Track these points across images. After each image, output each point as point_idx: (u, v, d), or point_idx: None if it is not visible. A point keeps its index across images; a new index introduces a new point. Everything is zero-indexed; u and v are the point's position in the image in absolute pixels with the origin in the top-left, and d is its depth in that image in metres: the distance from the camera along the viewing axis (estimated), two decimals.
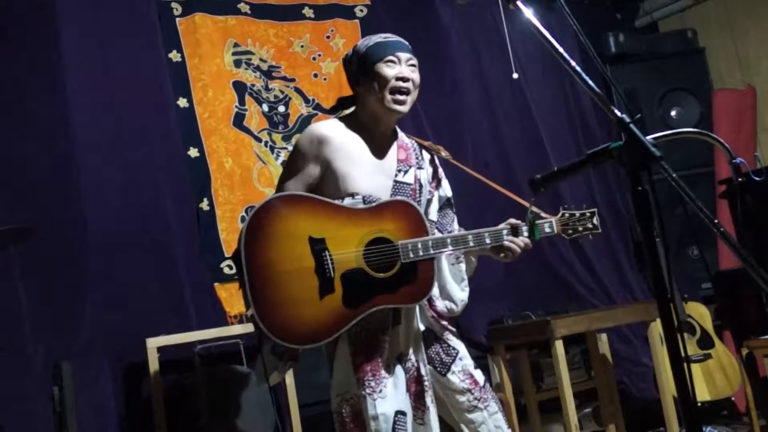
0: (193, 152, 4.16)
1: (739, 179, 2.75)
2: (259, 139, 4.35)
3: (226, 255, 4.09)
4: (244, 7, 4.49)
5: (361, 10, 4.83)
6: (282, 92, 4.50)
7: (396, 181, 2.48)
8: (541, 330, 3.75)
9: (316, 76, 4.61)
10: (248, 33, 4.47)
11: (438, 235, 2.44)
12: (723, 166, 5.21)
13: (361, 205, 2.37)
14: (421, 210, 2.42)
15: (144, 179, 3.96)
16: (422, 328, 2.48)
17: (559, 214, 2.53)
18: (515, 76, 4.47)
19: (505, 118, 5.21)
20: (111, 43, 4.03)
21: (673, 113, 5.57)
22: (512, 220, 2.47)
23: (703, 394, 4.26)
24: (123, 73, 4.03)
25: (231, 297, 4.03)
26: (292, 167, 2.50)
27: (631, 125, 1.50)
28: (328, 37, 4.70)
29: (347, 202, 2.38)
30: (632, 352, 4.93)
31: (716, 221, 1.47)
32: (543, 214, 2.51)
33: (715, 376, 4.34)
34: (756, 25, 5.70)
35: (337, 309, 2.27)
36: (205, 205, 4.12)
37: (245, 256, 2.24)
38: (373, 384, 2.30)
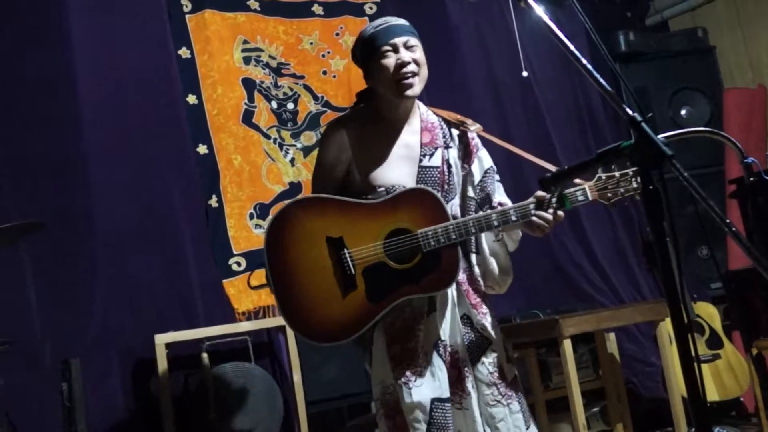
0: (202, 149, 4.17)
1: (751, 179, 2.72)
2: (268, 136, 4.35)
3: (235, 252, 4.10)
4: (253, 4, 4.49)
5: (371, 8, 4.83)
6: (291, 89, 4.50)
7: (421, 167, 2.43)
8: (549, 329, 3.74)
9: (325, 73, 4.61)
10: (258, 30, 4.47)
11: (459, 219, 2.36)
12: (733, 165, 5.18)
13: (382, 198, 2.36)
14: (440, 195, 2.37)
15: (153, 176, 3.97)
16: (459, 315, 2.44)
17: (595, 179, 2.34)
18: (525, 74, 4.46)
19: (514, 116, 5.19)
20: (121, 40, 4.04)
21: (683, 112, 5.55)
22: (539, 193, 2.34)
23: (711, 394, 4.24)
24: (132, 69, 4.04)
25: (239, 294, 4.03)
26: (322, 167, 2.49)
27: (643, 123, 1.48)
28: (337, 34, 4.70)
29: (371, 196, 2.38)
30: (641, 351, 4.91)
31: (727, 220, 1.46)
32: (575, 181, 2.34)
33: (724, 376, 4.32)
34: (767, 24, 5.67)
35: (362, 304, 2.27)
36: (213, 201, 4.12)
37: (269, 265, 2.28)
38: (408, 373, 2.30)
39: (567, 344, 3.63)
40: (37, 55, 3.79)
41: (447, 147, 2.49)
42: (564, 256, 5.05)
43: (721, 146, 5.29)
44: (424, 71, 2.44)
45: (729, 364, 4.35)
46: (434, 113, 2.56)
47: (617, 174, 2.32)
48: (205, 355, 3.57)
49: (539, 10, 1.72)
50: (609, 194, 2.33)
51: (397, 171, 2.42)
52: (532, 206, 2.32)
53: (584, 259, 5.12)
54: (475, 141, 2.57)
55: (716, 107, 5.55)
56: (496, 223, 2.32)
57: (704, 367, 4.25)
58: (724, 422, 4.54)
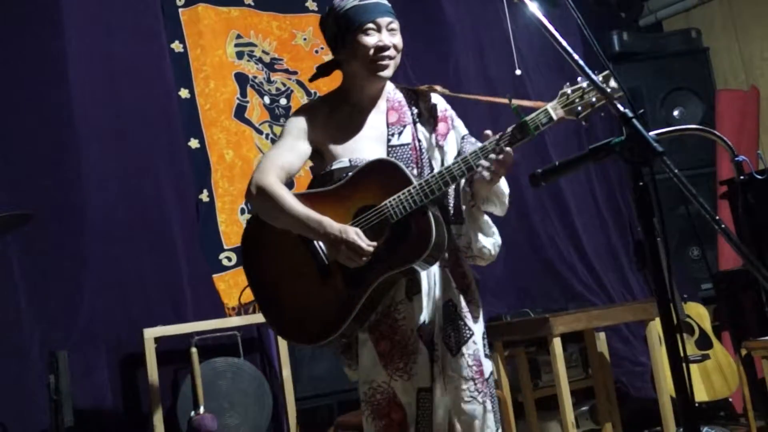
0: (194, 143, 4.15)
1: (741, 177, 2.73)
2: (260, 131, 4.34)
3: (225, 246, 4.09)
4: None
5: None
6: (284, 85, 4.49)
7: (390, 146, 2.35)
8: (539, 327, 3.74)
9: None
10: (251, 25, 4.45)
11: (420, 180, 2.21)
12: (724, 166, 5.19)
13: (347, 166, 2.28)
14: (398, 161, 2.25)
15: (144, 169, 3.96)
16: (444, 300, 2.32)
17: (558, 96, 2.17)
18: (518, 72, 4.45)
19: (507, 113, 5.18)
20: (114, 33, 4.03)
21: (675, 113, 5.55)
22: (488, 132, 2.26)
23: (700, 394, 4.24)
24: (125, 62, 4.03)
25: (229, 288, 4.02)
26: (281, 141, 2.39)
27: (634, 120, 1.48)
28: None
29: (336, 165, 2.31)
30: (630, 351, 4.92)
31: (718, 218, 1.45)
32: (526, 104, 2.22)
33: (713, 376, 4.32)
34: (760, 26, 5.68)
35: (342, 292, 2.19)
36: (204, 196, 4.11)
37: (249, 278, 2.29)
38: (401, 366, 2.22)
39: (557, 343, 3.63)
40: (29, 48, 3.78)
41: (415, 123, 2.40)
42: (555, 254, 5.05)
43: (713, 147, 5.30)
44: (399, 57, 2.37)
45: (718, 365, 4.35)
46: (401, 89, 2.48)
47: (584, 83, 2.12)
48: (194, 350, 3.56)
49: (533, 7, 1.72)
50: (579, 108, 2.13)
51: (366, 153, 2.32)
52: (491, 147, 2.22)
53: (575, 257, 5.12)
54: (449, 112, 2.49)
55: (709, 108, 5.56)
56: (458, 173, 2.18)
57: (693, 367, 4.26)
58: (713, 422, 4.55)
